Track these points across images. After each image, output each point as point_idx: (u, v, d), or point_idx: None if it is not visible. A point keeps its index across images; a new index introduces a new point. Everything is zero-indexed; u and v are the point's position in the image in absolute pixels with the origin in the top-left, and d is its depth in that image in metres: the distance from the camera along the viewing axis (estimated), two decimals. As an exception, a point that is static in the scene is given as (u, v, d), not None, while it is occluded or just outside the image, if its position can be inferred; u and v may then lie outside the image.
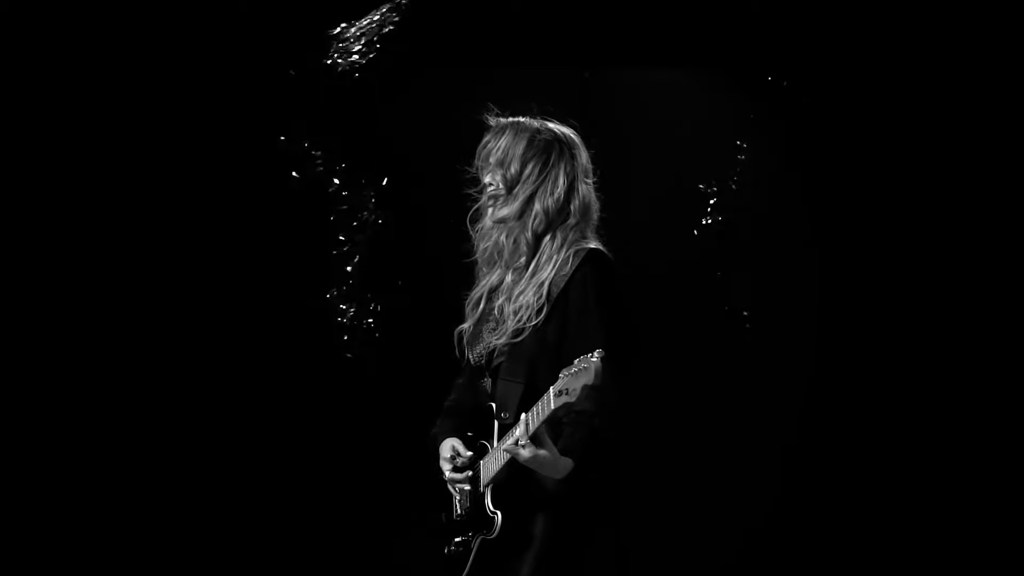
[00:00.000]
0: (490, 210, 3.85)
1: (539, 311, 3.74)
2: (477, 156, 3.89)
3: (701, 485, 5.78)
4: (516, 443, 3.53)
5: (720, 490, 5.79)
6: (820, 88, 5.69)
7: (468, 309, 3.95)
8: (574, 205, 3.82)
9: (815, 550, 5.74)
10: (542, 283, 3.76)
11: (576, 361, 3.44)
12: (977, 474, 5.67)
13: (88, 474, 5.64)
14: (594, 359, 3.40)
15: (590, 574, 3.72)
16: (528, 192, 3.81)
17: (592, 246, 3.78)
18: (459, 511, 3.87)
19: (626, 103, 5.78)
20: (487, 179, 3.85)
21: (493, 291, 3.92)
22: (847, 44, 5.65)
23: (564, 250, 3.78)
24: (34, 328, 5.61)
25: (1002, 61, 5.59)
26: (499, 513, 3.70)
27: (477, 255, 3.95)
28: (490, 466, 3.74)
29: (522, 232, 3.81)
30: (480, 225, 3.93)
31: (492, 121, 3.92)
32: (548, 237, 3.80)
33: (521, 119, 3.89)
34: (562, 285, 3.75)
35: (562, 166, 3.83)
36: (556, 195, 3.81)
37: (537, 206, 3.80)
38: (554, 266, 3.77)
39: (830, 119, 5.71)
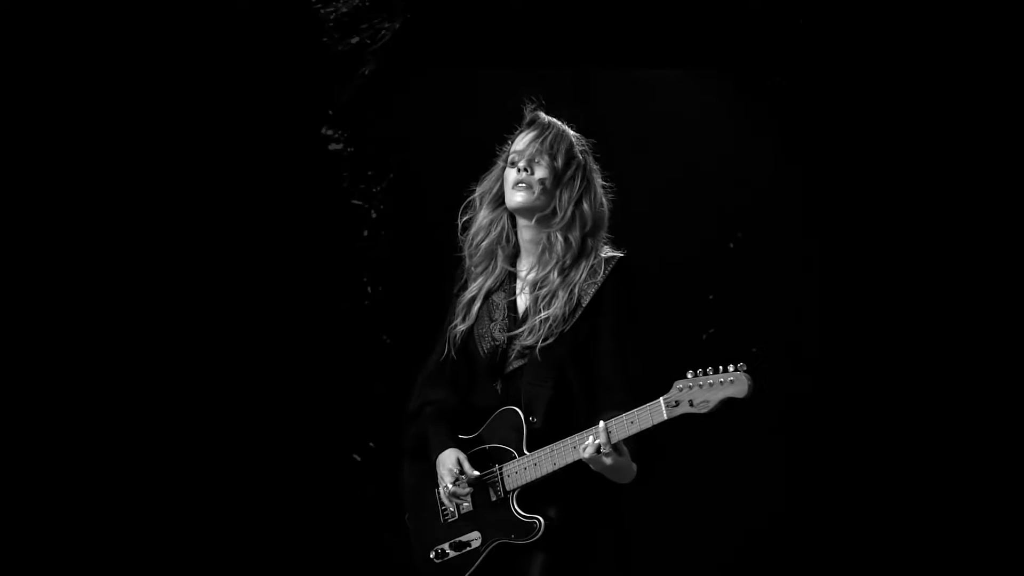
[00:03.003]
0: (526, 195, 3.80)
1: (567, 317, 3.74)
2: (518, 141, 3.87)
3: (705, 485, 5.78)
4: (598, 451, 3.55)
5: (724, 490, 5.79)
6: (818, 87, 5.70)
7: (461, 308, 3.91)
8: (606, 216, 3.86)
9: (820, 551, 5.73)
10: (572, 289, 3.76)
11: (694, 374, 3.51)
12: (980, 475, 5.67)
13: (93, 474, 5.66)
14: (741, 373, 3.48)
15: (596, 569, 3.72)
16: (575, 194, 3.81)
17: (620, 254, 3.81)
18: (451, 515, 3.83)
19: (626, 103, 5.78)
20: (523, 164, 3.81)
21: (492, 291, 3.90)
22: (847, 43, 5.65)
23: (593, 257, 3.80)
24: (50, 331, 5.63)
25: (1000, 62, 5.59)
26: (540, 519, 3.69)
27: (469, 250, 3.93)
28: (522, 472, 3.71)
29: (568, 232, 3.80)
30: (475, 216, 3.91)
31: (538, 115, 3.90)
32: (584, 242, 3.81)
33: (559, 123, 3.89)
34: (592, 292, 3.76)
35: (596, 178, 3.87)
36: (599, 202, 3.85)
37: (586, 207, 3.81)
38: (582, 272, 3.78)
39: (829, 118, 5.71)
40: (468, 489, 3.74)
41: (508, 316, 3.85)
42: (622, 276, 3.78)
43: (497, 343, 3.83)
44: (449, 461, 3.78)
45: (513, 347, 3.80)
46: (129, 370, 5.68)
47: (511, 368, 3.80)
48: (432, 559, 3.82)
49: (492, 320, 3.87)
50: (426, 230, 5.20)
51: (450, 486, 3.75)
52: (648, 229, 5.67)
